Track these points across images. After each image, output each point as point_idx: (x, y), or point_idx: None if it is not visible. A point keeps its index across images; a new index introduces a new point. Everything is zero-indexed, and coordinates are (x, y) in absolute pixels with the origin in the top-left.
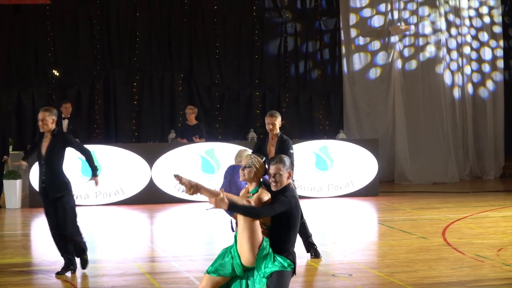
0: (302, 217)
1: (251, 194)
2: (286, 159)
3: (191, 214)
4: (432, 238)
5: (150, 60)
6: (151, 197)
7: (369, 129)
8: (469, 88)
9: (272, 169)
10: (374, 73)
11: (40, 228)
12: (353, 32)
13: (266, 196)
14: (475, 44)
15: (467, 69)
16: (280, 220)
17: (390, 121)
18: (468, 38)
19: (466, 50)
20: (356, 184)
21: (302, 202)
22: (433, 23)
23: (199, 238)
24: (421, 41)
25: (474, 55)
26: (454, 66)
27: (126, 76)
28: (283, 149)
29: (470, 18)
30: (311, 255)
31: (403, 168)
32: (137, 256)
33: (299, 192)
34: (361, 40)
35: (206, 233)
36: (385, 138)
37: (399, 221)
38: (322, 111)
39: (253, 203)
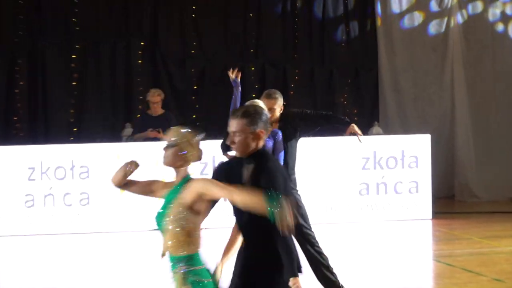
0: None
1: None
2: (257, 110)
3: (131, 244)
4: (511, 280)
5: (96, 23)
6: (90, 222)
7: (417, 121)
8: None
9: (233, 125)
10: (423, 39)
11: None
12: None
13: (194, 192)
14: None
15: None
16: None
17: (447, 108)
18: None
19: None
20: (400, 201)
21: (327, 229)
22: None
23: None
24: None
25: None
26: None
27: (61, 47)
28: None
29: None
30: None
31: (467, 179)
32: None
33: (317, 215)
34: None
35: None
36: (441, 134)
37: (462, 255)
38: (347, 94)
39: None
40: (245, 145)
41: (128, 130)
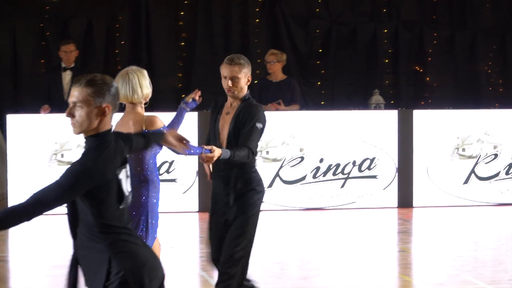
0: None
1: None
2: (105, 80)
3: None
4: None
5: None
6: None
7: None
8: None
9: (74, 94)
10: None
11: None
12: None
13: None
14: None
15: None
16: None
17: None
18: None
19: None
20: None
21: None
22: None
23: None
24: None
25: None
26: None
27: (168, 2)
28: (244, 121)
29: None
30: None
31: None
32: None
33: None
34: None
35: None
36: None
37: None
38: (492, 62)
39: None
40: (86, 121)
41: None
